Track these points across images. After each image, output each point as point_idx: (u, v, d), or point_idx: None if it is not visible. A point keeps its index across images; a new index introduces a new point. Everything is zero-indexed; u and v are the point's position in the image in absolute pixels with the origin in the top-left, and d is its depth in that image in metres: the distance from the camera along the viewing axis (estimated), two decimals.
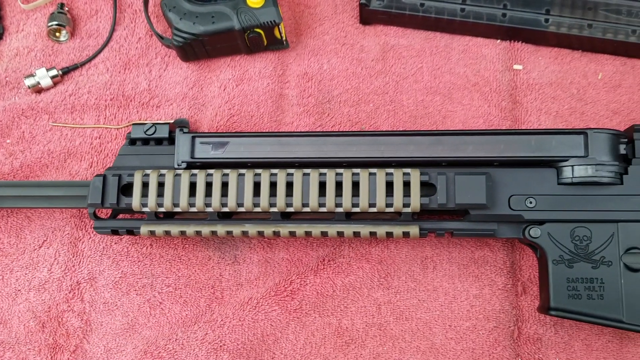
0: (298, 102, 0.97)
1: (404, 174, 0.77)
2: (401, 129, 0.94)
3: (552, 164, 0.76)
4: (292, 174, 0.78)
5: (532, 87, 0.94)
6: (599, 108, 0.92)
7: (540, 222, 0.76)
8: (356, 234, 0.79)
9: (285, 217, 0.82)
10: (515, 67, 0.96)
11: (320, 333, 0.83)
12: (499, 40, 0.98)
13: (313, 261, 0.86)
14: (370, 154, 0.79)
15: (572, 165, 0.75)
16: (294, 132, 0.81)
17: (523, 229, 0.77)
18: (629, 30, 0.92)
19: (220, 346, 0.83)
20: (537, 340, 0.81)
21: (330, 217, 0.80)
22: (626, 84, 0.93)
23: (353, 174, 0.77)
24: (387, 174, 0.77)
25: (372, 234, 0.78)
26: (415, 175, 0.76)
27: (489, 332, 0.81)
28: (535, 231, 0.76)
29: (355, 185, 0.77)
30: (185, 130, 0.82)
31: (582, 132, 0.75)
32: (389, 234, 0.78)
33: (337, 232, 0.79)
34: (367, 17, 1.00)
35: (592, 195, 0.75)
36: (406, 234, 0.78)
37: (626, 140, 0.77)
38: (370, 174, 0.77)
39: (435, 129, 0.94)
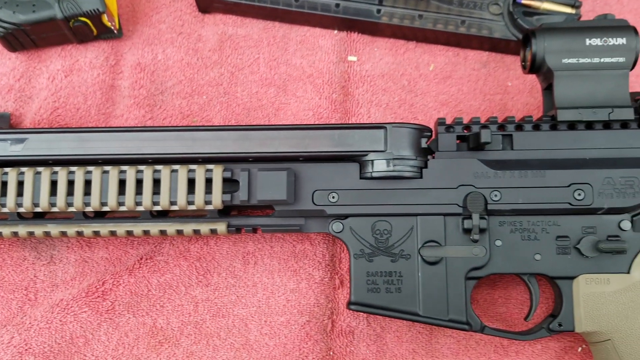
0: (130, 93, 0.93)
1: (207, 170, 0.75)
2: (233, 122, 0.93)
3: (354, 158, 0.76)
4: (90, 172, 0.75)
5: (365, 79, 0.94)
6: (428, 100, 0.93)
7: (344, 217, 0.76)
8: (163, 232, 0.77)
9: (100, 215, 0.79)
10: (350, 58, 0.95)
11: (133, 333, 0.81)
12: (336, 31, 0.96)
13: (131, 260, 0.84)
14: (176, 150, 0.76)
15: (372, 160, 0.75)
16: (96, 127, 0.78)
17: (329, 223, 0.76)
18: (459, 21, 0.93)
19: (26, 350, 0.80)
20: (350, 333, 0.82)
21: (138, 215, 0.78)
22: (457, 75, 0.94)
23: (155, 171, 0.75)
24: (189, 170, 0.75)
25: (179, 231, 0.77)
26: (217, 172, 0.75)
27: (301, 326, 0.81)
28: (337, 225, 0.76)
29: (158, 183, 0.75)
30: None
31: (381, 126, 0.75)
32: (196, 232, 0.77)
33: (143, 230, 0.77)
34: (204, 5, 0.97)
35: (393, 190, 0.75)
36: (214, 231, 0.77)
37: (430, 134, 0.77)
38: (172, 170, 0.75)
39: (267, 121, 0.93)
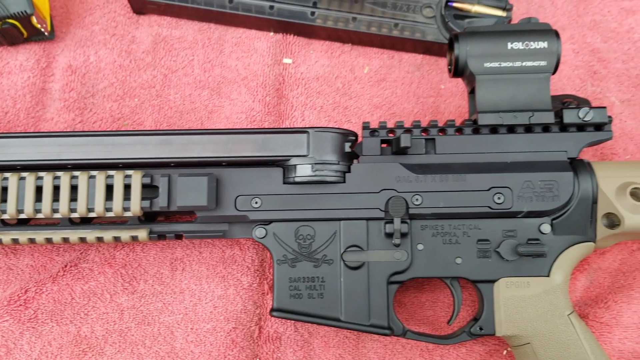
0: (60, 96, 0.92)
1: (126, 176, 0.74)
2: (165, 126, 0.91)
3: (278, 163, 0.75)
4: (7, 179, 0.73)
5: (300, 82, 0.93)
6: (362, 102, 0.92)
7: (268, 222, 0.75)
8: (83, 240, 0.75)
9: (24, 222, 0.78)
10: (285, 60, 0.95)
11: (57, 342, 0.80)
12: (272, 33, 0.96)
13: (56, 267, 0.82)
14: (97, 156, 0.75)
15: (295, 165, 0.74)
16: (15, 133, 0.75)
17: (252, 229, 0.75)
18: (392, 24, 0.92)
19: None
20: (277, 339, 0.81)
21: (56, 223, 0.76)
22: (391, 78, 0.94)
23: (72, 177, 0.74)
24: (108, 176, 0.74)
25: (99, 239, 0.75)
26: (136, 178, 0.73)
27: (227, 333, 0.80)
28: (260, 231, 0.75)
29: (77, 190, 0.74)
30: None
31: (304, 131, 0.74)
32: (117, 239, 0.75)
33: (62, 238, 0.75)
34: (138, 6, 0.96)
35: (316, 194, 0.75)
36: (135, 238, 0.75)
37: (355, 138, 0.77)
38: (90, 176, 0.74)
39: (200, 124, 0.92)
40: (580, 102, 0.82)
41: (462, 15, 0.91)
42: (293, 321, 0.81)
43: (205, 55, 0.95)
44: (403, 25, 0.92)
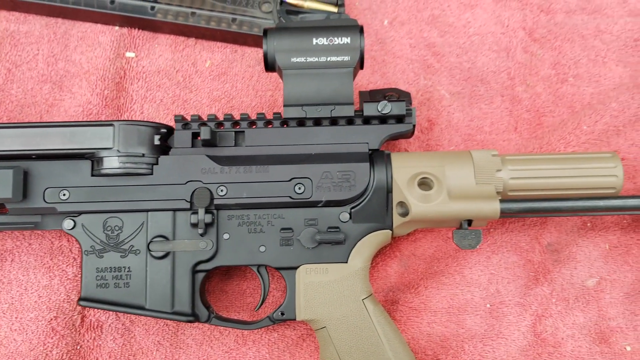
0: None
1: None
2: (5, 120, 0.92)
3: (87, 155, 0.77)
4: None
5: (141, 75, 0.95)
6: (202, 96, 0.94)
7: (77, 214, 0.77)
8: None
9: None
10: (128, 54, 0.96)
11: None
12: (117, 27, 0.97)
13: None
14: None
15: (102, 157, 0.76)
16: None
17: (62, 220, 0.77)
18: (230, 19, 0.94)
19: None
20: (98, 328, 0.83)
21: None
22: (232, 72, 0.96)
23: None
24: None
25: None
26: None
27: (48, 322, 0.82)
28: (68, 223, 0.77)
29: None
30: None
31: (110, 124, 0.76)
32: None
33: None
34: None
35: (124, 186, 0.77)
36: None
37: (166, 131, 0.79)
38: None
39: (39, 118, 0.93)
40: (402, 95, 0.85)
41: (295, 10, 0.93)
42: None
43: (50, 50, 0.96)
44: (241, 20, 0.94)
